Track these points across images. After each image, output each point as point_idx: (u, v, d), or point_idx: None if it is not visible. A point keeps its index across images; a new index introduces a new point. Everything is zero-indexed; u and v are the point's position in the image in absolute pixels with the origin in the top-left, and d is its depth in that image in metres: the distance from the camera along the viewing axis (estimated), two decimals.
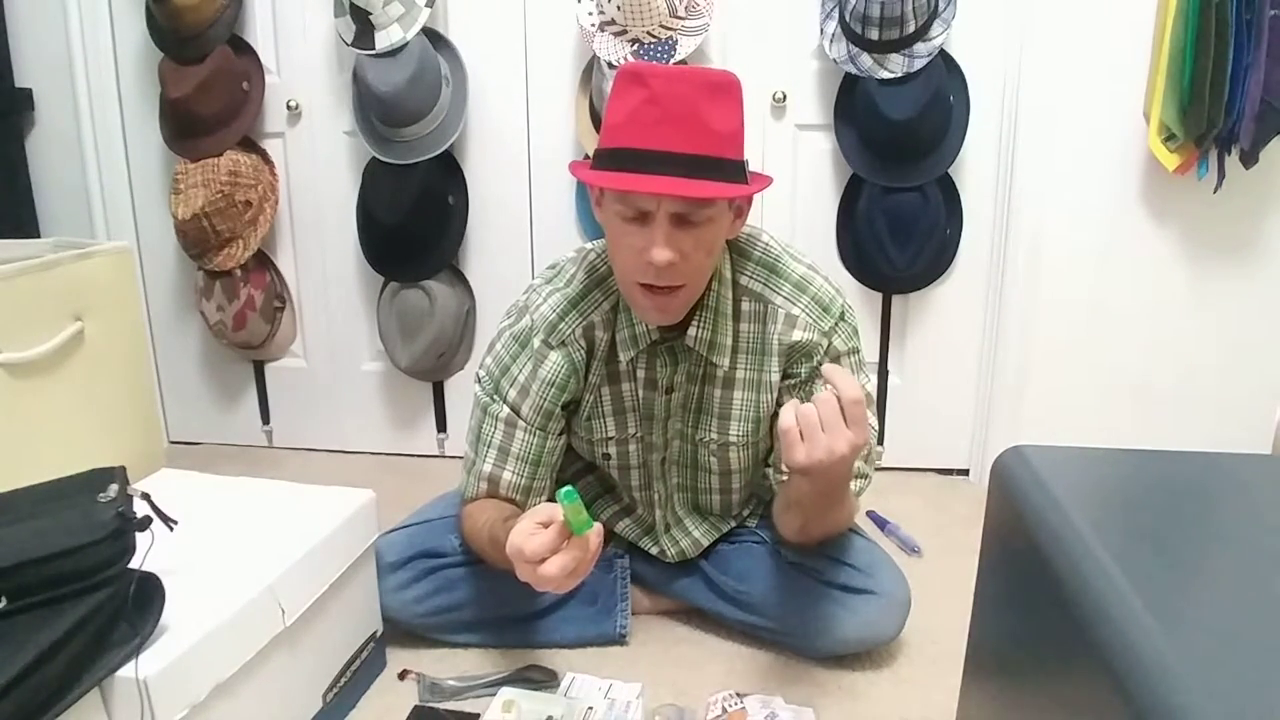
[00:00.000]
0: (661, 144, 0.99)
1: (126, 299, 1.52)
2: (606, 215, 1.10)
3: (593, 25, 1.73)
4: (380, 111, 1.80)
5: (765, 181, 1.10)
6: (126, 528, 0.85)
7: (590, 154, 1.80)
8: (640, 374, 1.22)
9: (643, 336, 1.17)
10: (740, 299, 1.19)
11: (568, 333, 1.18)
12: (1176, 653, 0.51)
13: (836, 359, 1.19)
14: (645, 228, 1.03)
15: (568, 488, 0.91)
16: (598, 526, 0.94)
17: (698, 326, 1.16)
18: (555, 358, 1.18)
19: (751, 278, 1.19)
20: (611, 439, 1.27)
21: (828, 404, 0.98)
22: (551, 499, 1.14)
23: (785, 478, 1.18)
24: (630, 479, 1.31)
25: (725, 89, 1.02)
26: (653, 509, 1.33)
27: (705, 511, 1.35)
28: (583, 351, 1.19)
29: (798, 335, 1.18)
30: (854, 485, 1.22)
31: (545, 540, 0.93)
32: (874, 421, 1.26)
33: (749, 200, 1.13)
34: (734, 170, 1.03)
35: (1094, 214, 1.80)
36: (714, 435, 1.25)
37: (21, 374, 1.27)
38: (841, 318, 1.19)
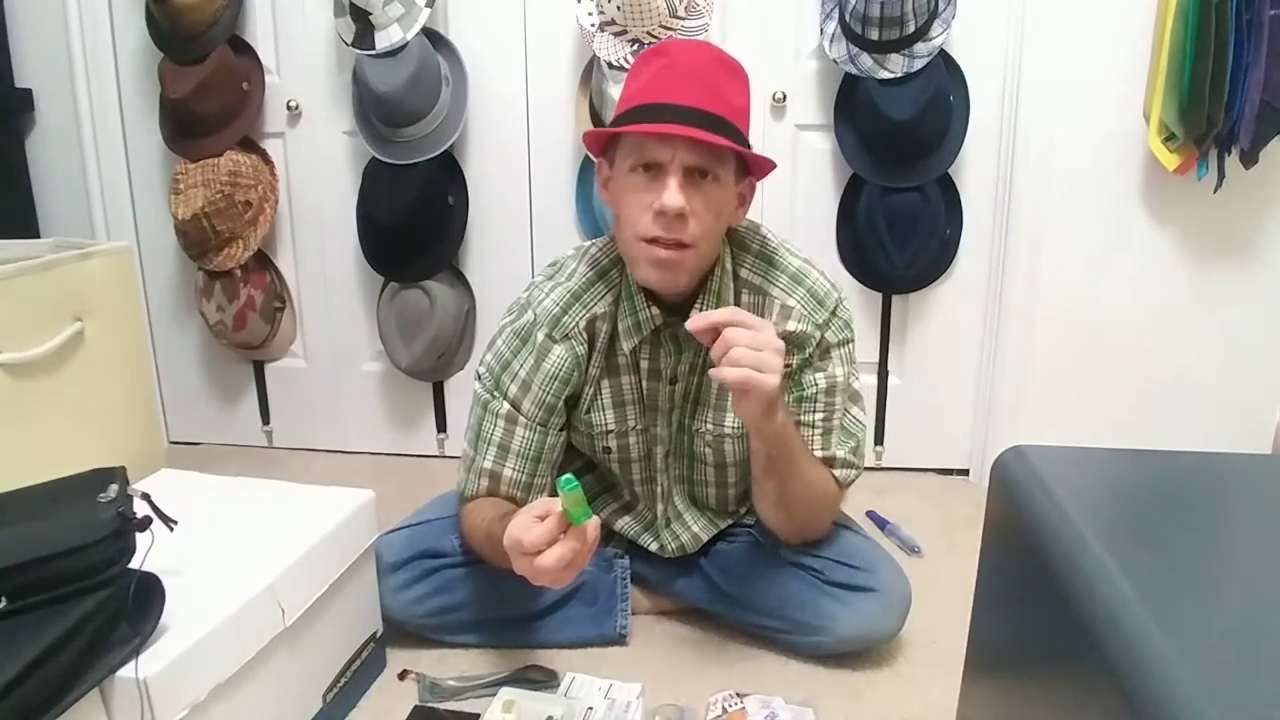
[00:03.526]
0: (679, 99, 1.04)
1: (126, 299, 1.52)
2: (616, 180, 1.12)
3: (593, 25, 1.73)
4: (380, 111, 1.80)
5: (771, 162, 1.12)
6: (126, 528, 0.85)
7: (589, 155, 1.83)
8: (644, 365, 1.22)
9: (646, 323, 1.18)
10: (740, 291, 1.20)
11: (571, 325, 1.18)
12: (1177, 652, 0.51)
13: (828, 350, 1.21)
14: (656, 180, 1.06)
15: (567, 475, 0.92)
16: (595, 519, 0.94)
17: (700, 310, 1.16)
18: (559, 351, 1.18)
19: (751, 270, 1.20)
20: (611, 432, 1.27)
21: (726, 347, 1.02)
22: (552, 496, 1.14)
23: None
24: (631, 472, 1.31)
25: (736, 70, 1.11)
26: (654, 503, 1.33)
27: (702, 505, 1.36)
28: (585, 345, 1.20)
29: (792, 326, 1.18)
30: (840, 474, 1.24)
31: (542, 532, 0.93)
32: (866, 419, 1.27)
33: (751, 187, 1.16)
34: (744, 141, 1.09)
35: (1094, 214, 1.80)
36: (710, 427, 1.25)
37: (21, 374, 1.27)
38: (835, 311, 1.20)
